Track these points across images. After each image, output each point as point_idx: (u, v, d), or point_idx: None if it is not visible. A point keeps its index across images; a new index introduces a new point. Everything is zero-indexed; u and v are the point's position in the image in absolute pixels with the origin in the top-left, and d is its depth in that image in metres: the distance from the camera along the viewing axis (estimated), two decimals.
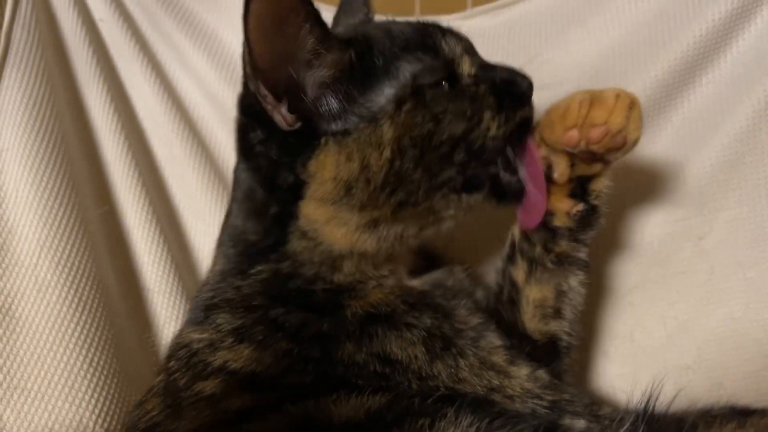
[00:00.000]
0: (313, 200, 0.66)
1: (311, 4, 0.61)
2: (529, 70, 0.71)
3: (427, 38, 0.69)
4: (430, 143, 0.65)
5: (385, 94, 0.64)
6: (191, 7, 1.06)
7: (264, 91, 0.63)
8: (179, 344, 0.67)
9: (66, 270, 0.75)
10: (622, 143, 0.67)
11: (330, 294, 0.67)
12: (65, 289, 0.74)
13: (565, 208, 0.72)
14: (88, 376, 0.70)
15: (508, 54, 1.02)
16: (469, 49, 0.73)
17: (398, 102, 0.64)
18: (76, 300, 0.74)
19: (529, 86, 0.70)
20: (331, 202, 0.65)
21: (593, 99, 0.66)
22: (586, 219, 0.73)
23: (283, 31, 0.61)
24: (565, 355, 0.76)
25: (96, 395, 0.70)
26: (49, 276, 0.74)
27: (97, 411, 0.69)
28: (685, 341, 0.86)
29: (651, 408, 0.64)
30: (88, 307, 0.74)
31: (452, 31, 0.72)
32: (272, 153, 0.67)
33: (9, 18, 0.88)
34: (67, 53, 0.95)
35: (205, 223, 0.96)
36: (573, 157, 0.70)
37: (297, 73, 0.63)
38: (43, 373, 0.69)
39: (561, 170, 0.70)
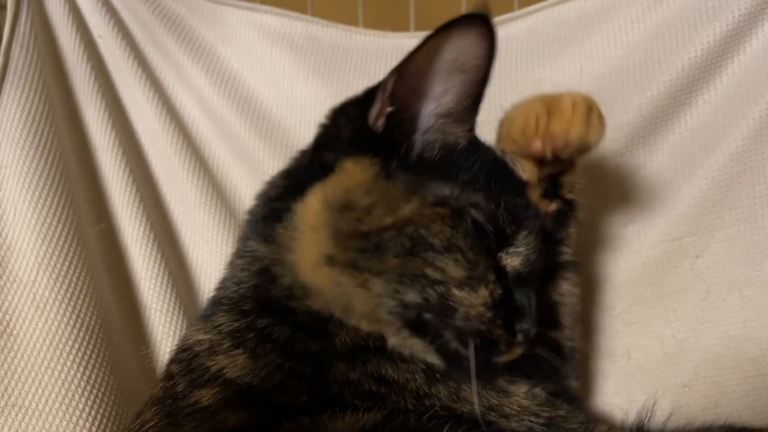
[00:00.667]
0: (321, 193, 0.65)
1: (487, 78, 0.62)
2: (525, 88, 0.72)
3: (523, 211, 0.66)
4: (426, 253, 0.61)
5: (441, 188, 0.63)
6: (190, 24, 1.06)
7: (390, 86, 0.64)
8: (182, 347, 0.67)
9: (64, 287, 0.75)
10: (585, 148, 0.67)
11: (314, 318, 0.64)
12: (63, 306, 0.74)
13: (541, 209, 0.71)
14: (85, 393, 0.70)
15: (504, 71, 1.03)
16: (533, 259, 0.66)
17: (439, 202, 0.63)
18: (73, 317, 0.74)
19: (526, 334, 0.64)
20: (327, 208, 0.64)
21: (550, 110, 0.66)
22: (564, 215, 0.72)
23: (451, 74, 0.62)
24: (569, 360, 0.76)
25: (93, 412, 0.70)
26: (47, 293, 0.74)
27: (93, 428, 0.69)
28: (682, 360, 0.86)
29: (645, 426, 0.64)
30: (85, 324, 0.74)
31: (542, 229, 0.68)
32: (344, 132, 0.68)
33: (8, 35, 0.89)
34: (65, 70, 0.95)
35: (203, 238, 0.96)
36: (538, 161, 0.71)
37: (422, 110, 0.64)
38: (40, 390, 0.69)
39: (530, 173, 0.69)
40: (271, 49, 1.08)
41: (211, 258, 0.95)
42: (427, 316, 0.62)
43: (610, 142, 0.93)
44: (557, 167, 0.69)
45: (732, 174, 0.86)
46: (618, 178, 0.93)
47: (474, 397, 0.61)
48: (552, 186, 0.70)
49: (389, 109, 0.64)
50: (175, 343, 0.78)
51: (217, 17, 1.08)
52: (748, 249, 0.85)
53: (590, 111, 0.66)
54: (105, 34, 1.01)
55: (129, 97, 1.01)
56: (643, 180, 0.93)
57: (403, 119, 0.65)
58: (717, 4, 0.90)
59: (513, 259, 0.65)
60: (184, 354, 0.65)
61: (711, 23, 0.90)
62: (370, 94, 0.67)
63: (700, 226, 0.88)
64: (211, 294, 0.73)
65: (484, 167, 0.66)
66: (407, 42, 1.09)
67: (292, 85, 1.07)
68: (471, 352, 0.60)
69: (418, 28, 1.15)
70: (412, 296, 0.61)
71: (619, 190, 0.94)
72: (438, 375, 0.63)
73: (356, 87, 1.03)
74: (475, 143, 0.67)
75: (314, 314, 0.65)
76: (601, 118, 0.66)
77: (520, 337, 0.64)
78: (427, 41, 0.61)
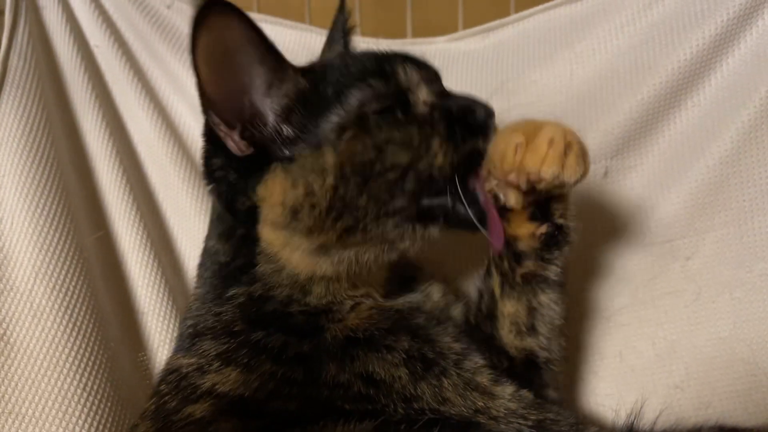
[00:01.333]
0: (267, 224, 0.68)
1: (262, 35, 0.63)
2: (516, 89, 0.72)
3: (384, 66, 0.69)
4: (371, 171, 0.65)
5: (330, 122, 0.65)
6: (186, 33, 1.07)
7: (216, 119, 0.66)
8: (169, 370, 0.68)
9: (61, 295, 0.76)
10: (560, 185, 0.65)
11: (308, 316, 0.67)
12: (60, 314, 0.75)
13: (527, 232, 0.70)
14: (82, 401, 0.71)
15: (496, 75, 1.04)
16: (431, 77, 0.72)
17: (340, 130, 0.65)
18: (70, 325, 0.75)
19: (488, 115, 0.70)
20: (282, 227, 0.66)
21: (528, 144, 0.64)
22: (553, 239, 0.71)
23: (235, 62, 0.63)
24: (545, 370, 0.76)
25: (90, 420, 0.70)
26: (44, 301, 0.75)
27: None
28: (673, 361, 0.87)
29: (635, 427, 0.65)
30: (82, 332, 0.75)
31: (414, 59, 0.72)
32: (231, 177, 0.69)
33: (6, 45, 0.90)
34: (63, 80, 0.96)
35: (199, 246, 0.96)
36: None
37: (251, 101, 0.66)
38: (37, 398, 0.69)
39: (514, 199, 0.68)
40: None
41: None
42: (426, 202, 0.66)
43: (601, 144, 0.94)
44: (543, 195, 0.68)
45: (722, 176, 0.87)
46: (608, 180, 0.94)
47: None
48: (542, 210, 0.69)
49: (235, 133, 0.66)
50: (160, 370, 0.77)
51: None
52: (738, 251, 0.86)
53: (569, 148, 0.63)
54: (101, 43, 1.02)
55: (125, 105, 1.02)
56: (634, 182, 0.93)
57: (252, 125, 0.66)
58: (706, 8, 0.90)
59: (422, 93, 0.69)
60: (172, 376, 0.66)
61: (700, 27, 0.90)
62: (209, 138, 0.70)
63: (690, 228, 0.89)
64: (185, 328, 0.72)
65: (336, 71, 0.68)
66: (402, 48, 1.10)
67: None
68: (458, 187, 0.66)
69: (415, 35, 1.16)
70: (398, 203, 0.66)
71: (609, 193, 0.95)
72: (419, 369, 0.64)
73: None
74: (303, 71, 0.68)
75: (310, 311, 0.67)
76: (580, 156, 0.64)
77: (488, 122, 0.69)
78: (192, 58, 0.62)
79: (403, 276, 0.78)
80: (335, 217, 0.65)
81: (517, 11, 1.08)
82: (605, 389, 0.89)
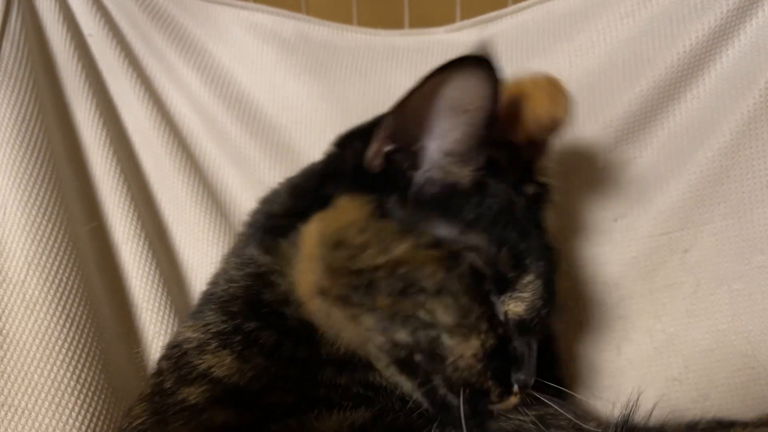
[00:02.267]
0: (317, 225, 0.65)
1: (493, 123, 0.61)
2: None
3: (524, 256, 0.63)
4: (418, 295, 0.60)
5: (433, 227, 0.62)
6: (181, 22, 1.06)
7: (388, 128, 0.63)
8: (172, 344, 0.68)
9: (54, 286, 0.75)
10: (553, 128, 0.69)
11: (301, 324, 0.65)
12: (53, 305, 0.74)
13: None
14: (75, 392, 0.70)
15: None
16: (537, 305, 0.64)
17: (434, 243, 0.61)
18: (63, 316, 0.74)
19: (523, 385, 0.63)
20: (322, 243, 0.64)
21: (518, 91, 0.68)
22: (539, 198, 0.71)
23: (449, 115, 0.61)
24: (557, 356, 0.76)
25: (83, 412, 0.70)
26: (36, 292, 0.74)
27: (83, 427, 0.69)
28: (671, 353, 0.87)
29: (630, 420, 0.64)
30: (75, 323, 0.74)
31: (550, 288, 0.65)
32: (348, 162, 0.67)
33: None
34: (56, 69, 0.95)
35: (194, 237, 0.96)
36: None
37: (423, 147, 0.63)
38: (30, 389, 0.69)
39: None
40: (262, 48, 1.08)
41: (201, 256, 0.95)
42: (418, 357, 0.61)
43: (599, 137, 0.93)
44: (531, 152, 0.70)
45: (721, 168, 0.87)
46: (607, 173, 0.94)
47: None
48: (525, 171, 0.70)
49: (387, 148, 0.63)
50: (167, 340, 0.79)
51: (209, 15, 1.08)
52: (736, 243, 0.85)
53: (555, 89, 0.68)
54: (95, 32, 1.01)
55: (120, 95, 1.00)
56: (633, 175, 0.93)
57: (403, 157, 0.63)
58: (705, 0, 0.90)
59: (516, 305, 0.63)
60: (174, 351, 0.66)
61: (699, 18, 0.90)
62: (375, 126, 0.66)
63: (689, 220, 0.88)
64: (204, 289, 0.74)
65: (491, 208, 0.63)
66: (399, 40, 1.09)
67: (284, 84, 1.07)
68: (461, 403, 0.60)
69: (412, 26, 1.15)
70: (402, 336, 0.60)
71: (608, 185, 0.94)
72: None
73: (348, 84, 1.05)
74: (483, 184, 0.64)
75: (304, 322, 0.64)
76: (564, 92, 0.68)
77: (515, 388, 0.62)
78: (427, 79, 0.59)
79: None
80: (350, 284, 0.62)
81: (515, 2, 1.08)
82: (603, 382, 0.89)
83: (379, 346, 0.62)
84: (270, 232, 0.70)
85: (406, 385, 0.63)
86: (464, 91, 0.59)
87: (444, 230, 0.61)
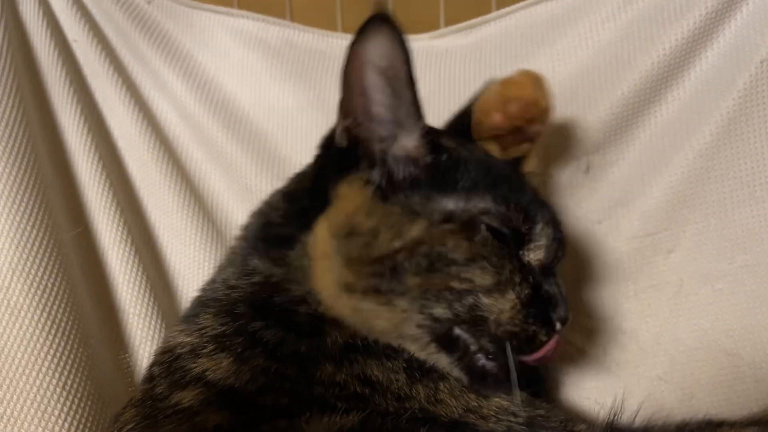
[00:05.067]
0: (326, 221, 0.66)
1: (414, 85, 0.64)
2: None
3: (531, 208, 0.66)
4: (444, 268, 0.62)
5: (442, 203, 0.64)
6: (166, 28, 1.06)
7: (343, 106, 0.66)
8: (164, 349, 0.68)
9: (39, 293, 0.74)
10: (537, 112, 0.74)
11: (313, 319, 0.66)
12: (38, 311, 0.73)
13: None
14: (61, 399, 0.69)
15: (477, 73, 1.04)
16: (553, 250, 0.68)
17: (447, 217, 0.63)
18: (49, 323, 0.73)
19: (562, 320, 0.66)
20: (334, 235, 0.65)
21: (503, 83, 0.75)
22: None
23: (383, 79, 0.63)
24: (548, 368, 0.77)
25: (69, 419, 0.69)
26: (21, 299, 0.73)
27: None
28: (657, 353, 0.88)
29: (616, 421, 0.65)
30: (61, 329, 0.73)
31: (558, 227, 0.69)
32: (332, 158, 0.69)
33: None
34: (40, 74, 0.95)
35: (181, 242, 0.96)
36: (502, 141, 0.74)
37: (378, 114, 0.65)
38: (15, 397, 0.68)
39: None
40: (247, 54, 1.08)
41: (188, 262, 0.95)
42: (458, 331, 0.63)
43: (582, 140, 0.94)
44: (519, 149, 0.74)
45: (701, 169, 0.88)
46: (590, 176, 0.95)
47: (516, 400, 0.63)
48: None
49: (345, 123, 0.66)
50: (156, 346, 0.79)
51: (193, 22, 1.08)
52: (719, 243, 0.86)
53: (538, 80, 0.75)
54: (80, 38, 1.01)
55: (105, 101, 1.00)
56: (615, 177, 0.94)
57: (359, 128, 0.66)
58: (684, 2, 0.91)
59: (536, 254, 0.66)
60: (166, 356, 0.66)
61: (679, 21, 0.91)
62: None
63: (671, 221, 0.89)
64: (196, 294, 0.73)
65: (480, 169, 0.67)
66: None
67: (269, 90, 1.07)
68: (509, 353, 0.62)
69: None
70: (440, 310, 0.62)
71: (591, 188, 0.95)
72: (417, 375, 0.63)
73: (333, 90, 1.05)
74: (447, 149, 0.68)
75: (318, 316, 0.66)
76: (547, 88, 0.76)
77: (557, 325, 0.66)
78: (346, 56, 0.63)
79: None
80: (375, 273, 0.63)
81: (498, 9, 1.09)
82: (589, 382, 0.90)
83: (418, 323, 0.63)
84: (274, 243, 0.70)
85: (442, 361, 0.65)
86: (377, 49, 0.62)
87: (450, 202, 0.64)
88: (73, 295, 0.78)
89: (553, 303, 0.66)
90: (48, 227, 0.79)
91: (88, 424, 0.71)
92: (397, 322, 0.64)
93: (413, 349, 0.65)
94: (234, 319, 0.66)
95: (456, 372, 0.65)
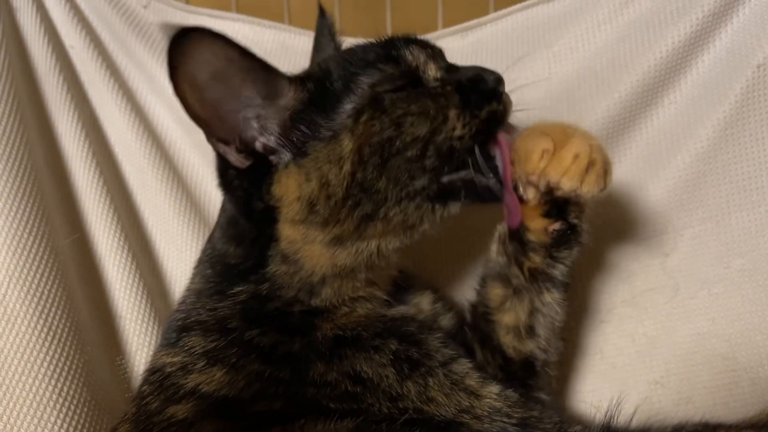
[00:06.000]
0: (287, 222, 0.68)
1: (249, 54, 0.63)
2: None
3: (390, 50, 0.70)
4: (392, 148, 0.65)
5: (344, 111, 0.66)
6: (162, 34, 1.06)
7: (211, 138, 0.67)
8: (152, 369, 0.68)
9: (35, 300, 0.75)
10: (577, 198, 0.67)
11: (305, 315, 0.68)
12: (35, 318, 0.73)
13: (540, 226, 0.70)
14: (58, 405, 0.70)
15: None
16: (436, 55, 0.73)
17: (356, 114, 0.66)
18: (45, 329, 0.73)
19: (497, 81, 0.69)
20: (300, 222, 0.67)
21: (555, 151, 0.66)
22: (565, 237, 0.70)
23: (225, 84, 0.63)
24: (541, 374, 0.76)
25: (66, 425, 0.70)
26: (18, 305, 0.73)
27: None
28: (653, 357, 0.88)
29: (612, 423, 0.65)
30: (57, 336, 0.74)
31: (417, 40, 0.73)
32: (244, 184, 0.69)
33: None
34: (37, 80, 0.95)
35: (177, 248, 0.96)
36: None
37: (245, 118, 0.66)
38: (12, 403, 0.68)
39: (532, 195, 0.68)
40: None
41: (185, 267, 0.95)
42: (445, 179, 0.67)
43: None
44: (561, 198, 0.69)
45: (698, 173, 0.88)
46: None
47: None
48: (558, 208, 0.69)
49: (230, 146, 0.67)
50: (153, 351, 0.79)
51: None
52: (715, 247, 0.86)
53: (591, 165, 0.65)
54: (77, 44, 1.01)
55: (102, 107, 1.01)
56: (612, 180, 0.93)
57: (246, 138, 0.67)
58: (681, 6, 0.91)
59: (428, 69, 0.71)
60: (155, 375, 0.66)
61: (676, 24, 0.91)
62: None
63: (668, 225, 0.89)
64: (173, 321, 0.72)
65: (343, 64, 0.69)
66: None
67: None
68: (477, 154, 0.66)
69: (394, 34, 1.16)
70: (420, 182, 0.66)
71: None
72: (406, 369, 0.64)
73: None
74: (314, 70, 0.71)
75: (310, 311, 0.68)
76: (601, 175, 0.66)
77: (496, 85, 0.69)
78: (174, 85, 0.61)
79: (398, 285, 0.78)
80: (352, 204, 0.65)
81: (496, 10, 1.08)
82: (586, 386, 0.90)
83: (417, 205, 0.67)
84: (244, 275, 0.70)
85: (454, 209, 0.69)
86: (200, 65, 0.61)
87: (347, 105, 0.66)
88: (69, 302, 0.78)
89: (479, 79, 0.69)
90: (45, 234, 0.80)
91: (85, 430, 0.71)
92: (402, 224, 0.68)
93: (431, 226, 0.69)
94: (226, 333, 0.66)
95: (465, 204, 0.69)
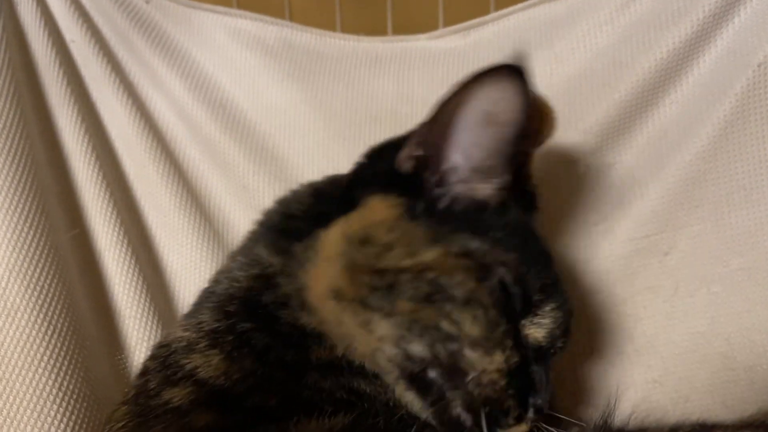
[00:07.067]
0: (344, 225, 0.65)
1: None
2: None
3: (555, 285, 0.65)
4: (440, 304, 0.59)
5: (467, 240, 0.62)
6: (164, 28, 1.06)
7: (419, 133, 0.65)
8: (163, 342, 0.68)
9: (35, 294, 0.74)
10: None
11: (294, 330, 0.65)
12: (34, 313, 0.73)
13: None
14: (57, 400, 0.70)
15: None
16: (557, 334, 0.64)
17: (465, 253, 0.61)
18: (45, 324, 0.73)
19: (538, 410, 0.62)
20: (347, 240, 0.64)
21: None
22: (529, 206, 0.72)
23: (481, 134, 0.61)
24: None
25: (65, 420, 0.69)
26: (18, 300, 0.73)
27: None
28: (652, 356, 0.88)
29: (609, 423, 0.65)
30: (57, 331, 0.74)
31: (568, 318, 0.66)
32: (377, 171, 0.69)
33: None
34: (37, 75, 0.94)
35: (178, 243, 0.96)
36: None
37: (449, 163, 0.64)
38: (11, 398, 0.68)
39: None
40: (245, 54, 1.08)
41: (185, 262, 0.95)
42: (433, 374, 0.60)
43: (579, 143, 0.94)
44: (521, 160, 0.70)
45: (698, 172, 0.88)
46: (587, 178, 0.95)
47: None
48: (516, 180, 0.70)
49: (417, 153, 0.64)
50: (154, 342, 0.79)
51: (192, 21, 1.08)
52: (714, 246, 0.87)
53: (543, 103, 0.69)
54: (78, 38, 1.00)
55: (102, 101, 1.00)
56: (612, 179, 0.94)
57: (431, 165, 0.64)
58: (682, 6, 0.91)
59: (536, 330, 0.63)
60: (162, 350, 0.66)
61: (676, 25, 0.91)
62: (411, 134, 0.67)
63: (668, 223, 0.90)
64: (205, 286, 0.74)
65: (517, 230, 0.64)
66: (381, 46, 1.10)
67: (267, 89, 1.07)
68: (483, 422, 0.58)
69: (395, 32, 1.16)
70: (419, 348, 0.59)
71: (588, 191, 0.95)
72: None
73: (331, 90, 1.06)
74: (507, 205, 0.65)
75: (297, 327, 0.64)
76: (552, 110, 0.70)
77: (531, 412, 0.61)
78: (457, 90, 0.59)
79: None
80: (370, 284, 0.61)
81: (496, 10, 1.08)
82: (584, 385, 0.90)
83: (389, 357, 0.61)
84: (285, 233, 0.70)
85: (414, 402, 0.61)
86: (494, 102, 0.59)
87: (475, 242, 0.61)
88: (69, 297, 0.78)
89: (535, 387, 0.62)
90: (45, 228, 0.79)
91: (84, 425, 0.71)
92: (371, 350, 0.61)
93: (387, 380, 0.62)
94: (226, 316, 0.66)
95: (428, 417, 0.60)
